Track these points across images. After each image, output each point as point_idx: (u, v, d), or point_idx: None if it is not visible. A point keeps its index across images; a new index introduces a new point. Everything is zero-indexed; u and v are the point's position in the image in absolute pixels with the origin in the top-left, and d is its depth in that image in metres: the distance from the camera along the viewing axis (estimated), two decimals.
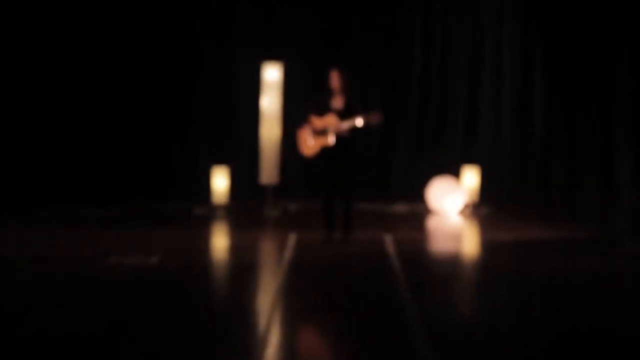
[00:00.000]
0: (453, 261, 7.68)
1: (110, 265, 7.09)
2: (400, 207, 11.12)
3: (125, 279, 6.62)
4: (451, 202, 10.73)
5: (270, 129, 10.52)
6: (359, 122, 7.91)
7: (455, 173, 11.05)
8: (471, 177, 11.01)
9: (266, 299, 6.05)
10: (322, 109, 8.17)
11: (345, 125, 7.96)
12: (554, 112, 11.92)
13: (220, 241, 9.08)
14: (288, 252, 7.79)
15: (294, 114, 8.91)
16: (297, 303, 5.97)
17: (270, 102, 10.52)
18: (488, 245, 8.57)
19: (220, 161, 10.96)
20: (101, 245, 8.05)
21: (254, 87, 10.89)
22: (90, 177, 11.03)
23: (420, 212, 10.90)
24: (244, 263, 7.41)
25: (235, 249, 8.37)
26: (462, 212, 10.75)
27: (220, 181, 10.69)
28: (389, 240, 8.43)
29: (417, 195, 11.23)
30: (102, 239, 8.50)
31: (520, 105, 11.93)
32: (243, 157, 11.55)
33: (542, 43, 11.85)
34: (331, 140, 8.06)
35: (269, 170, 10.48)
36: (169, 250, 7.78)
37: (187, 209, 10.67)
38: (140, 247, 7.87)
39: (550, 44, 11.84)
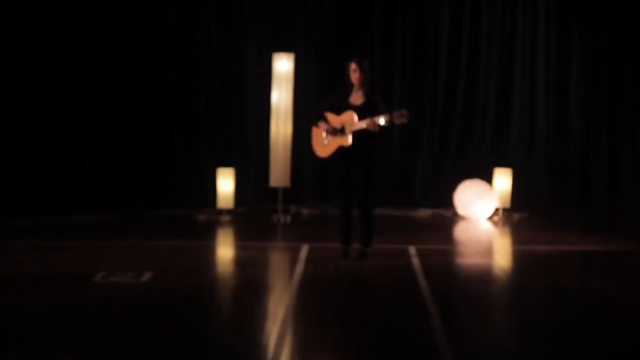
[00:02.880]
0: (483, 277, 7.28)
1: (95, 285, 6.56)
2: (424, 213, 10.78)
3: (109, 302, 6.06)
4: (481, 208, 10.37)
5: (280, 127, 10.09)
6: (381, 120, 7.30)
7: (485, 176, 10.67)
8: (503, 180, 10.65)
9: (274, 328, 5.47)
10: (339, 105, 7.60)
11: (365, 123, 7.35)
12: (594, 111, 11.45)
13: (223, 253, 8.57)
14: (299, 267, 7.31)
15: (307, 110, 8.31)
16: (309, 330, 5.50)
17: (280, 96, 10.09)
18: (520, 258, 8.24)
19: (225, 162, 10.62)
20: (90, 260, 7.59)
21: (263, 80, 10.51)
22: (82, 181, 10.54)
23: (446, 218, 10.58)
24: (248, 281, 6.90)
25: (240, 263, 7.85)
26: (492, 219, 10.42)
27: (225, 184, 10.29)
28: (413, 253, 8.03)
29: (442, 200, 10.88)
30: (92, 252, 8.02)
31: (556, 103, 11.46)
32: (251, 158, 11.15)
33: (580, 36, 11.38)
34: (349, 140, 7.48)
35: (279, 172, 10.07)
36: (164, 266, 7.31)
37: (189, 215, 10.28)
38: (133, 262, 7.45)
39: (589, 36, 11.37)
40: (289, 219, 10.02)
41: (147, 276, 6.77)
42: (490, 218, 10.39)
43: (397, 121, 7.28)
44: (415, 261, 7.62)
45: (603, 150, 11.38)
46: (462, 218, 10.46)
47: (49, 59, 10.25)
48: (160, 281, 6.68)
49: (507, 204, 10.54)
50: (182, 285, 6.61)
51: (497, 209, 10.44)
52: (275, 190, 10.10)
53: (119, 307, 5.92)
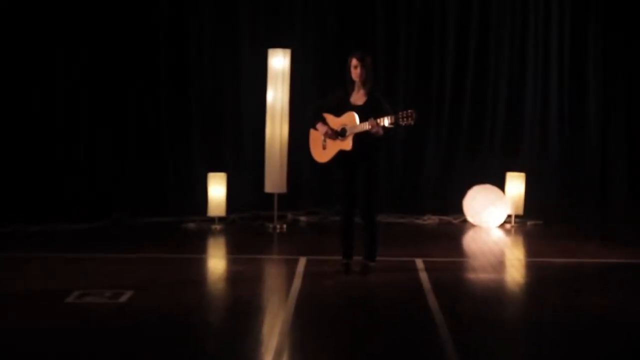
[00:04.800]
0: (496, 294, 6.95)
1: (66, 307, 6.12)
2: (430, 221, 10.41)
3: (80, 327, 5.63)
4: (492, 215, 10.03)
5: (276, 128, 9.78)
6: (385, 122, 6.88)
7: (497, 181, 10.33)
8: (515, 185, 10.32)
9: (267, 354, 5.11)
10: (339, 106, 7.18)
11: (367, 125, 6.92)
12: (611, 111, 11.14)
13: (212, 267, 8.13)
14: (296, 284, 6.95)
15: (305, 111, 7.99)
16: (306, 355, 5.25)
17: (276, 95, 9.78)
18: (535, 272, 7.89)
19: (218, 166, 10.29)
20: (65, 276, 7.18)
21: (258, 78, 10.19)
22: (63, 186, 10.21)
23: (454, 226, 10.23)
24: (240, 300, 6.50)
25: (231, 279, 7.42)
26: (504, 227, 10.10)
27: (217, 190, 9.89)
28: (420, 266, 7.67)
29: (450, 207, 10.51)
30: (68, 266, 7.59)
31: (571, 104, 11.12)
32: (244, 162, 10.79)
33: (596, 34, 11.04)
34: (349, 144, 7.07)
35: (274, 177, 9.76)
36: (146, 282, 6.92)
37: (178, 223, 9.90)
38: (112, 278, 7.06)
39: (606, 35, 11.03)
40: (285, 227, 9.68)
41: (126, 296, 6.37)
42: (501, 226, 10.07)
43: (402, 123, 6.86)
44: (423, 276, 7.25)
45: (621, 154, 11.07)
46: (471, 226, 10.11)
47: (29, 55, 10.06)
48: (140, 301, 6.28)
49: (520, 211, 10.21)
50: (164, 306, 6.20)
51: (509, 216, 10.11)
52: (270, 196, 9.76)
53: (91, 334, 5.49)
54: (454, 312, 6.12)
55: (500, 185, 10.25)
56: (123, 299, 6.28)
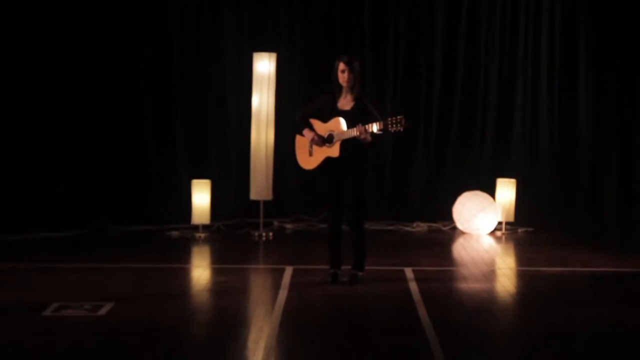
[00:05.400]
0: (488, 306, 6.73)
1: (44, 320, 5.94)
2: (420, 228, 10.25)
3: (58, 343, 5.43)
4: (482, 222, 9.90)
5: (261, 133, 9.64)
6: (374, 128, 6.74)
7: (487, 187, 10.23)
8: (506, 192, 10.17)
9: None
10: (326, 111, 7.03)
11: (355, 132, 6.78)
12: (603, 115, 11.08)
13: (195, 278, 7.89)
14: (282, 295, 6.78)
15: (291, 117, 7.89)
16: None
17: (261, 100, 9.65)
18: (528, 282, 7.72)
19: (202, 172, 10.17)
20: (43, 287, 6.97)
21: (243, 83, 10.10)
22: (43, 192, 10.10)
23: (444, 233, 10.11)
24: (223, 313, 6.32)
25: (214, 290, 7.21)
26: (494, 234, 9.98)
27: (201, 197, 9.72)
28: (410, 276, 7.54)
29: (440, 213, 10.40)
30: (47, 277, 7.38)
31: (561, 106, 11.04)
32: (229, 168, 10.73)
33: (587, 35, 10.97)
34: (337, 150, 6.92)
35: (260, 184, 9.62)
36: (128, 294, 6.76)
37: (162, 231, 9.72)
38: (92, 289, 6.88)
39: (598, 36, 10.97)
40: (270, 235, 9.54)
41: (106, 308, 6.20)
42: (492, 233, 9.95)
43: (392, 129, 6.72)
44: (413, 286, 7.11)
45: (613, 159, 11.03)
46: (461, 233, 9.99)
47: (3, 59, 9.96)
48: (121, 314, 6.10)
49: (511, 218, 10.08)
50: (145, 319, 6.02)
51: (499, 224, 9.99)
52: (256, 203, 9.63)
53: (69, 349, 5.31)
54: (445, 324, 5.98)
55: (491, 191, 10.14)
56: (103, 311, 6.10)
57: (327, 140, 6.96)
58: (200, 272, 8.12)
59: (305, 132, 7.05)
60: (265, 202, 9.62)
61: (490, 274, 7.94)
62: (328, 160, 6.98)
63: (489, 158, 10.93)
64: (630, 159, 11.06)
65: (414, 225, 10.24)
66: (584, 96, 11.00)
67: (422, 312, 6.26)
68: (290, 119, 7.75)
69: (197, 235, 9.50)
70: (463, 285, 7.51)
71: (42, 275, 7.43)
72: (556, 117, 11.01)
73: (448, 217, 10.17)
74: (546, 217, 10.55)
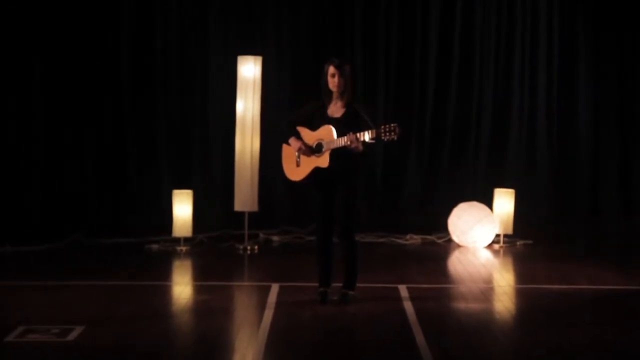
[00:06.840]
0: (487, 326, 6.51)
1: (6, 347, 5.55)
2: (414, 241, 10.00)
3: None
4: (479, 235, 9.68)
5: (246, 141, 9.41)
6: (366, 136, 6.44)
7: (483, 197, 10.08)
8: (504, 203, 9.95)
9: None
10: (315, 118, 6.74)
11: (346, 140, 6.48)
12: (604, 121, 11.09)
13: (175, 297, 7.54)
14: (267, 316, 6.47)
15: (278, 124, 7.67)
16: None
17: (246, 106, 9.42)
18: (529, 301, 7.42)
19: (184, 182, 10.05)
20: (9, 308, 6.59)
21: (227, 87, 9.94)
22: (17, 202, 10.02)
23: (439, 246, 9.85)
24: (204, 337, 6.01)
25: (195, 310, 6.88)
26: (492, 247, 9.75)
27: (182, 209, 9.47)
28: (404, 295, 7.24)
29: (434, 225, 10.19)
30: (13, 296, 7.03)
31: (560, 113, 11.03)
32: (212, 177, 10.65)
33: (586, 36, 10.98)
34: (326, 160, 6.62)
35: (245, 195, 9.38)
36: (100, 315, 6.41)
37: (141, 244, 9.43)
38: (62, 310, 6.55)
39: (597, 37, 10.98)
40: (256, 248, 9.28)
41: (76, 332, 5.83)
42: (489, 246, 9.72)
43: (385, 138, 6.41)
44: (408, 306, 6.80)
45: (613, 168, 11.08)
46: (457, 246, 9.74)
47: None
48: (92, 339, 5.73)
49: (509, 230, 9.85)
50: (118, 345, 5.67)
51: (497, 236, 9.77)
52: (240, 215, 9.39)
53: None
54: (442, 347, 5.73)
55: (487, 201, 9.94)
56: (72, 336, 5.74)
57: (316, 150, 6.66)
58: (181, 289, 7.77)
59: (292, 141, 6.76)
60: (251, 214, 9.38)
61: (489, 292, 7.66)
62: (317, 170, 6.67)
63: (484, 166, 10.89)
64: (631, 167, 11.10)
65: (407, 237, 9.99)
66: (582, 105, 11.00)
67: (418, 334, 6.00)
68: (277, 126, 7.50)
69: (179, 248, 9.21)
70: (461, 305, 7.21)
71: (8, 294, 7.07)
72: (554, 122, 11.01)
73: (443, 228, 9.95)
74: (545, 227, 10.47)
